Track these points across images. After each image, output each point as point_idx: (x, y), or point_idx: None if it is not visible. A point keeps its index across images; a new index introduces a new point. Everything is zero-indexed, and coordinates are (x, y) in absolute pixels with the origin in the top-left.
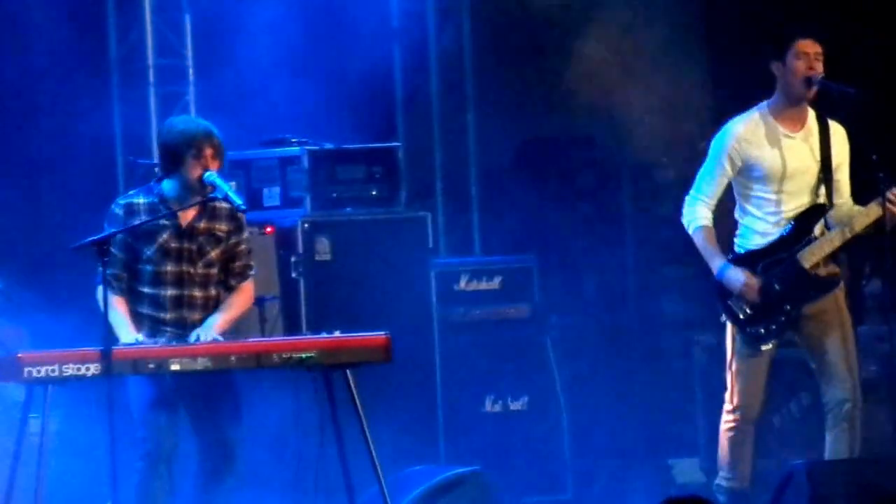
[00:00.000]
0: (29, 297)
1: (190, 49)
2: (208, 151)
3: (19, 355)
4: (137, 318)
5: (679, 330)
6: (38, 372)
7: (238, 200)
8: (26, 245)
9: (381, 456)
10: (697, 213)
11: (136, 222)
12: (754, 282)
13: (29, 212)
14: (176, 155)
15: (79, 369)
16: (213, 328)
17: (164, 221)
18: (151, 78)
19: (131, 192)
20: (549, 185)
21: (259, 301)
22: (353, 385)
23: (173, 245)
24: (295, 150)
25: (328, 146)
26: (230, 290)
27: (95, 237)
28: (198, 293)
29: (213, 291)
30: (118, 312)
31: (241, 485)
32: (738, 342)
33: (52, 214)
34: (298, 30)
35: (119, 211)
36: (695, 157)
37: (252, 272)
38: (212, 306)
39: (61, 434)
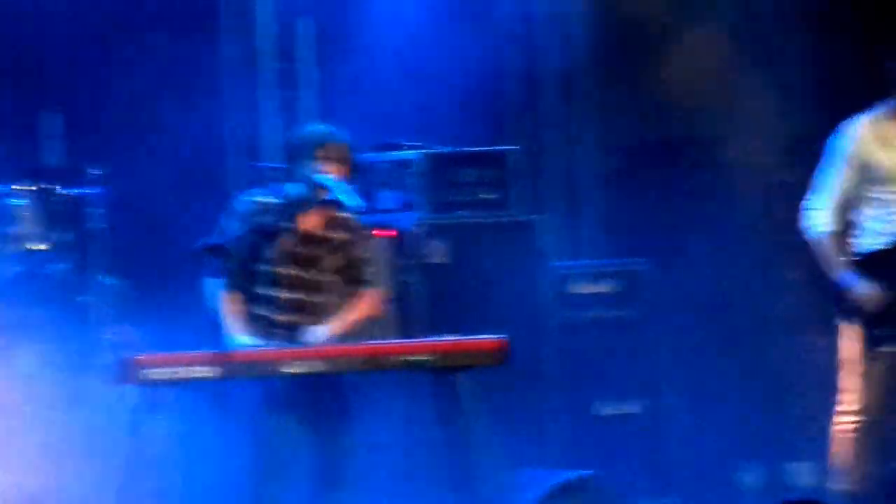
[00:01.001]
0: (146, 298)
1: (308, 53)
2: (327, 155)
3: (137, 358)
4: (251, 320)
5: (794, 332)
6: (157, 374)
7: (357, 203)
8: (143, 247)
9: (495, 458)
10: (818, 218)
11: (260, 221)
12: (876, 291)
13: (149, 214)
14: (297, 157)
15: (196, 372)
16: (329, 329)
17: (285, 224)
18: (270, 81)
19: (256, 191)
20: (661, 187)
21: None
22: (468, 388)
23: (293, 249)
24: (410, 153)
25: (443, 150)
26: (350, 298)
27: (215, 241)
28: (314, 299)
29: (328, 299)
30: (231, 314)
31: (354, 488)
32: (860, 344)
33: (171, 216)
34: (414, 34)
35: (243, 207)
36: (811, 158)
37: (372, 280)
38: (328, 313)
39: (177, 437)
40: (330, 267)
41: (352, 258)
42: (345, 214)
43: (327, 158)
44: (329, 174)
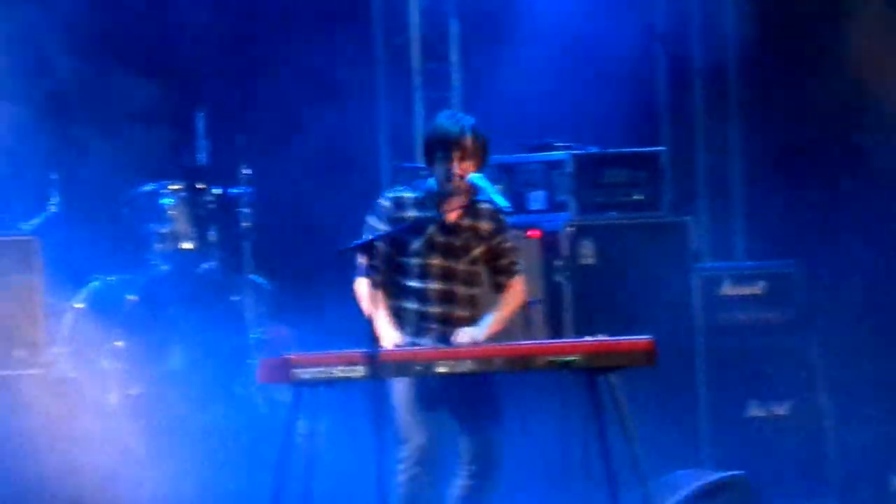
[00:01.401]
0: (296, 298)
1: (456, 54)
2: (456, 153)
3: (288, 357)
4: (403, 313)
5: None
6: (307, 374)
7: (503, 203)
8: (294, 247)
9: (644, 459)
10: None
11: (405, 216)
12: None
13: (296, 214)
14: (430, 152)
15: (346, 371)
16: (482, 327)
17: (430, 215)
18: (417, 82)
19: (398, 187)
20: (811, 189)
21: (523, 304)
22: (617, 389)
23: (440, 239)
24: (560, 154)
25: (593, 150)
26: (500, 287)
27: (363, 240)
28: (462, 289)
29: (476, 290)
30: (379, 310)
31: (503, 487)
32: None
33: (318, 216)
34: (563, 35)
35: (387, 203)
36: None
37: (518, 268)
38: (475, 304)
39: (328, 436)
40: (478, 256)
41: (498, 247)
42: (486, 204)
43: (450, 155)
44: (465, 168)
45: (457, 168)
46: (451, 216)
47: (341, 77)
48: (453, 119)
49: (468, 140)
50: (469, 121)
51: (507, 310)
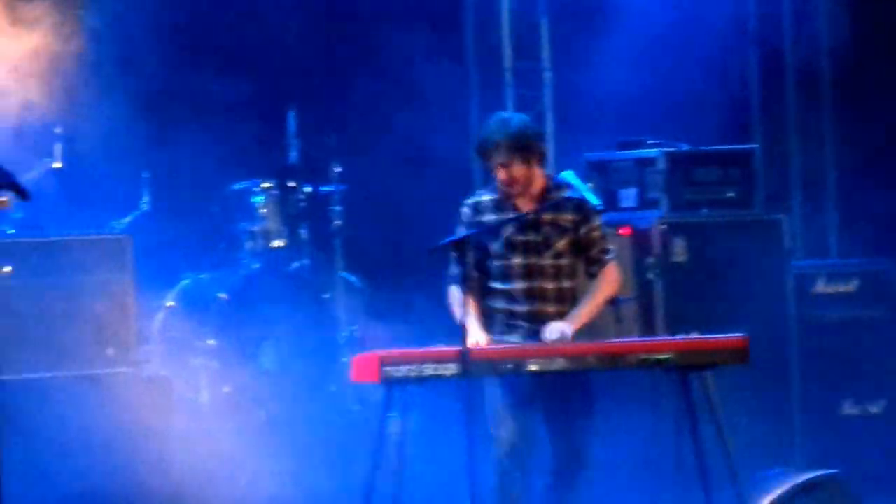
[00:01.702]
0: (387, 296)
1: (547, 52)
2: (495, 160)
3: (380, 355)
4: (491, 314)
5: None
6: (398, 372)
7: (595, 200)
8: (384, 245)
9: (737, 457)
10: None
11: (482, 219)
12: None
13: (387, 212)
14: (480, 152)
15: (437, 369)
16: (572, 319)
17: (508, 215)
18: (509, 81)
19: (478, 191)
20: None
21: (615, 302)
22: (710, 387)
23: (519, 238)
24: (652, 151)
25: (685, 148)
26: (592, 277)
27: (449, 240)
28: (549, 285)
29: (566, 283)
30: (469, 313)
31: (594, 485)
32: None
33: (409, 214)
34: (654, 31)
35: (466, 209)
36: None
37: (610, 256)
38: (566, 298)
39: (419, 434)
40: (563, 250)
41: (586, 238)
42: (568, 195)
43: (492, 164)
44: (510, 172)
45: (501, 174)
46: (528, 211)
47: (433, 76)
48: (488, 126)
49: (503, 145)
50: (509, 123)
51: (599, 298)
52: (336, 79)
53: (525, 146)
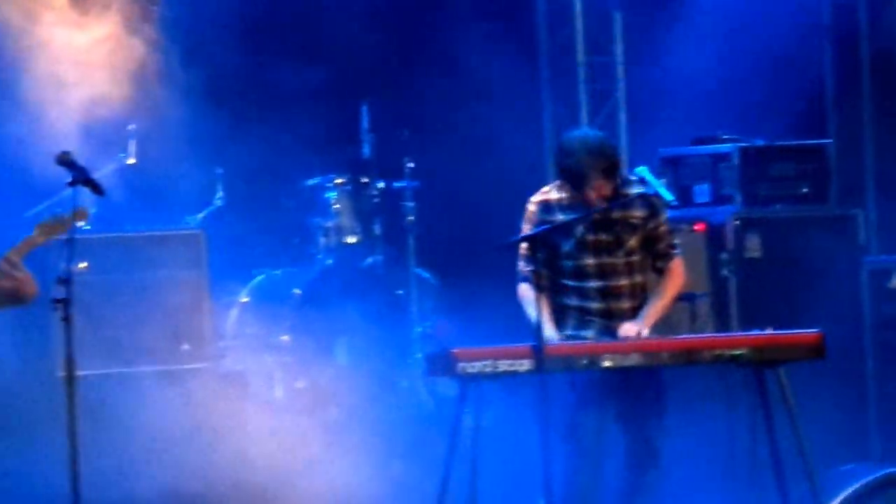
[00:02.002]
0: (460, 292)
1: (620, 46)
2: (596, 183)
3: (454, 351)
4: (564, 310)
5: None
6: (472, 368)
7: (669, 196)
8: (458, 241)
9: (812, 453)
10: None
11: (551, 219)
12: None
13: (460, 208)
14: (568, 178)
15: (511, 365)
16: (644, 318)
17: (577, 216)
18: (581, 76)
19: (545, 189)
20: None
21: (689, 298)
22: (785, 383)
23: (590, 238)
24: (726, 146)
25: (759, 143)
26: (660, 272)
27: (520, 237)
28: (623, 282)
29: (638, 278)
30: (542, 307)
31: (668, 481)
32: None
33: (482, 211)
34: (728, 26)
35: (535, 208)
36: None
37: (676, 251)
38: (639, 293)
39: (493, 430)
40: (634, 247)
41: (654, 232)
42: (638, 191)
43: (594, 185)
44: (601, 190)
45: (596, 194)
46: (598, 210)
47: (505, 71)
48: (574, 150)
49: (596, 170)
50: (602, 145)
51: (668, 295)
52: (409, 74)
53: (614, 167)
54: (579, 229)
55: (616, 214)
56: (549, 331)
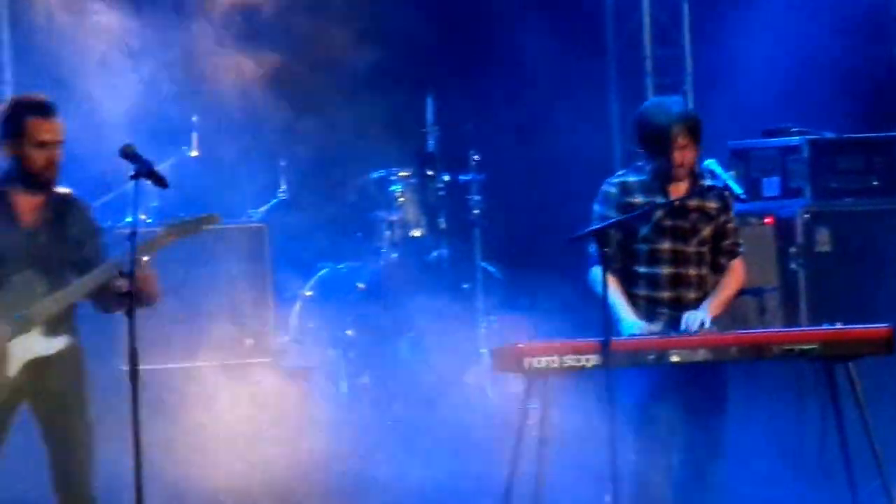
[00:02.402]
0: (527, 286)
1: (687, 39)
2: (678, 143)
3: (520, 346)
4: (633, 300)
5: None
6: (539, 363)
7: (738, 190)
8: (525, 235)
9: (882, 449)
10: None
11: (631, 200)
12: None
13: (526, 201)
14: (649, 146)
15: (578, 361)
16: (706, 311)
17: (657, 199)
18: (648, 68)
19: (621, 172)
20: None
21: (758, 292)
22: (854, 377)
23: (668, 223)
24: (796, 139)
25: (829, 136)
26: (718, 268)
27: (595, 227)
28: (692, 272)
29: (704, 270)
30: (617, 296)
31: (735, 475)
32: None
33: (548, 203)
34: (798, 17)
35: (613, 189)
36: None
37: (741, 249)
38: (705, 285)
39: (560, 425)
40: (707, 237)
41: (724, 227)
42: (711, 183)
43: (675, 144)
44: (689, 155)
45: (681, 156)
46: (679, 196)
47: (572, 63)
48: (668, 108)
49: (686, 127)
50: (684, 106)
51: (730, 291)
52: (474, 65)
53: (699, 131)
54: (657, 213)
55: (693, 203)
56: (628, 317)
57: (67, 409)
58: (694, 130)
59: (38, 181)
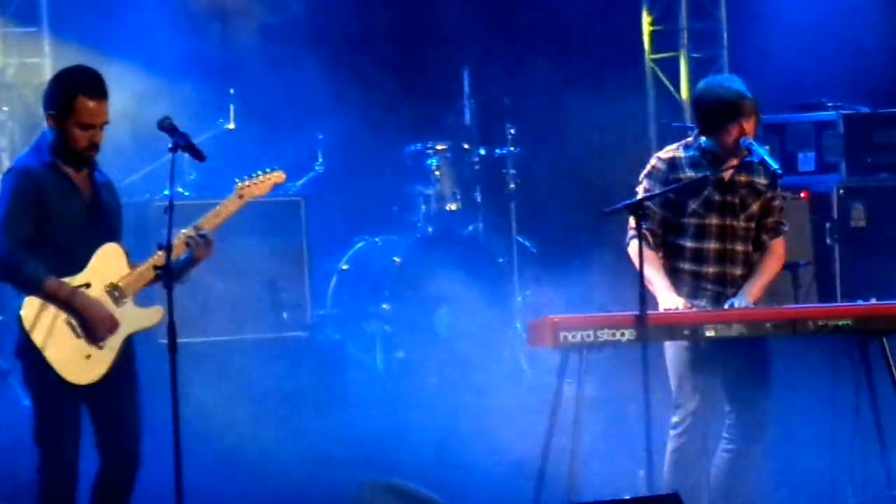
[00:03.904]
0: (562, 260)
1: (724, 12)
2: (744, 119)
3: (553, 319)
4: (677, 274)
5: None
6: (573, 337)
7: (774, 164)
8: (561, 209)
9: None
10: None
11: (679, 176)
12: None
13: (562, 175)
14: (713, 120)
15: (613, 335)
16: (749, 295)
17: (706, 174)
18: (685, 41)
19: (670, 148)
20: None
21: (793, 267)
22: (889, 353)
23: (717, 198)
24: (831, 114)
25: (864, 110)
26: (760, 246)
27: (632, 201)
28: (739, 247)
29: (750, 247)
30: (654, 270)
31: (774, 452)
32: None
33: (585, 178)
34: None
35: (662, 165)
36: None
37: (785, 228)
38: (750, 262)
39: (595, 400)
40: (754, 213)
41: (769, 204)
42: (759, 159)
43: (738, 122)
44: (742, 135)
45: (750, 127)
46: (728, 173)
47: (607, 36)
48: (731, 86)
49: (750, 106)
50: (743, 85)
51: (771, 273)
52: (510, 39)
53: (758, 102)
54: (707, 188)
55: (742, 177)
56: (670, 296)
57: (126, 376)
58: (758, 105)
59: (79, 158)
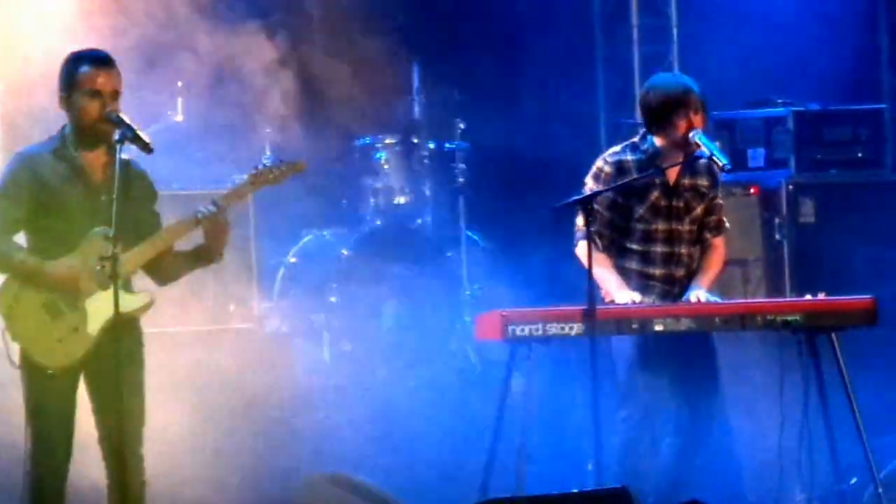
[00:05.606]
0: (511, 254)
1: (674, 8)
2: (692, 112)
3: (502, 313)
4: (624, 274)
5: None
6: (522, 330)
7: (724, 160)
8: (510, 203)
9: (865, 420)
10: None
11: (625, 178)
12: None
13: (511, 169)
14: (660, 115)
15: (562, 328)
16: (703, 287)
17: (651, 178)
18: (635, 37)
19: (617, 150)
20: None
21: (742, 262)
22: (837, 348)
23: (663, 203)
24: (780, 110)
25: (814, 107)
26: (702, 243)
27: (580, 197)
28: (685, 250)
29: (693, 248)
30: (605, 269)
31: (718, 446)
32: None
33: (534, 172)
34: None
35: (609, 169)
36: None
37: (726, 226)
38: (693, 262)
39: (544, 393)
40: (698, 216)
41: (711, 203)
42: (704, 161)
43: (686, 115)
44: (691, 129)
45: (697, 121)
46: (673, 177)
47: (558, 31)
48: (678, 80)
49: (698, 100)
50: (690, 80)
51: (716, 270)
52: (460, 33)
53: (705, 98)
54: (654, 193)
55: (686, 181)
56: (624, 292)
57: (128, 362)
58: (705, 100)
59: (93, 134)
